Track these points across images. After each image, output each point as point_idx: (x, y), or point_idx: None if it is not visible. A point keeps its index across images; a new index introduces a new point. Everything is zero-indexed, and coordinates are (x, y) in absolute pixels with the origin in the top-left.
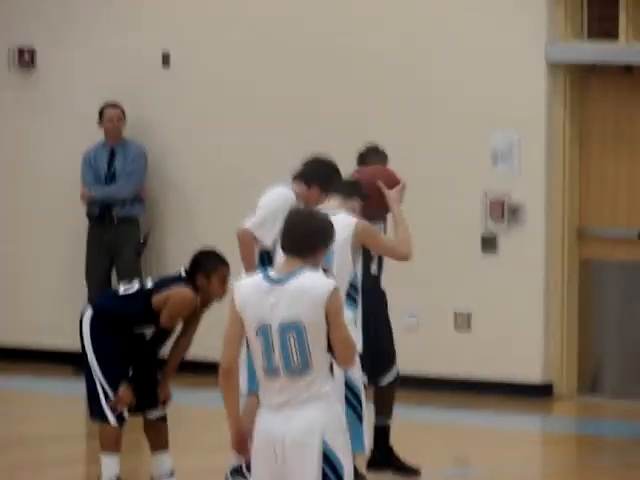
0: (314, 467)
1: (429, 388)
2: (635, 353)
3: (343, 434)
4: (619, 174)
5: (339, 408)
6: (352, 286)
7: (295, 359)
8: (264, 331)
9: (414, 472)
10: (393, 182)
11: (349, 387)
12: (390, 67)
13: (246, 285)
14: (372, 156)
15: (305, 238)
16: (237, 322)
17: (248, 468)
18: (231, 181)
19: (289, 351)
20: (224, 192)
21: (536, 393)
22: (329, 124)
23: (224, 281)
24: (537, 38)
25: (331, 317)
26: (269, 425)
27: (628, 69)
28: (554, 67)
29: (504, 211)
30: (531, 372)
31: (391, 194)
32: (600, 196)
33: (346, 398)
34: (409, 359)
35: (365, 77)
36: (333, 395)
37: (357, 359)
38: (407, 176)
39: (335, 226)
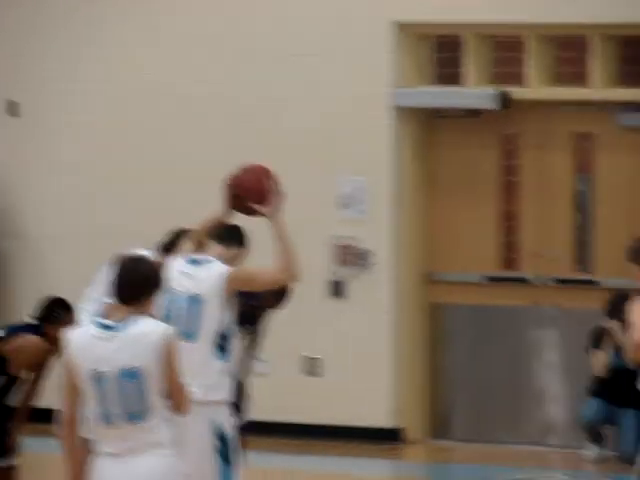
0: None
1: (279, 434)
2: (484, 396)
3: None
4: (466, 218)
5: (175, 457)
6: (223, 336)
7: (133, 406)
8: (99, 379)
9: None
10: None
11: (218, 435)
12: (235, 114)
13: (78, 333)
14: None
15: (133, 286)
16: (71, 371)
17: None
18: (86, 230)
19: (127, 398)
20: (78, 241)
21: (387, 438)
22: (183, 173)
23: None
24: (383, 83)
25: (166, 363)
26: (108, 474)
27: (474, 113)
28: (401, 112)
29: (352, 256)
30: (381, 417)
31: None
32: (448, 240)
33: (215, 446)
34: (259, 404)
35: (214, 124)
36: (172, 442)
37: (225, 408)
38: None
39: (208, 275)
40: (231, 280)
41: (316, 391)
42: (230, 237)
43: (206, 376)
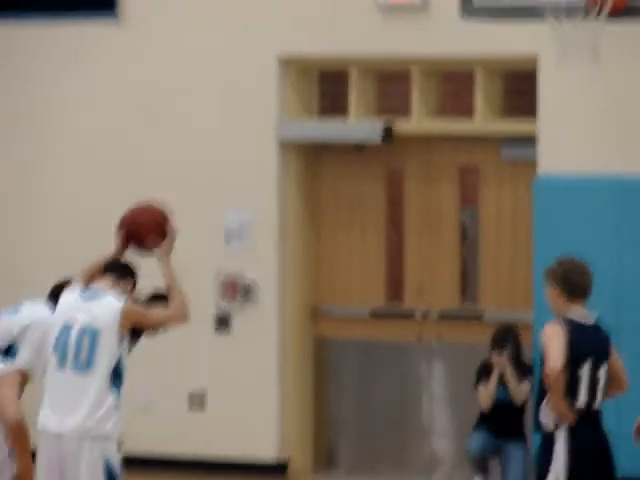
0: None
1: (163, 469)
2: (371, 430)
3: None
4: (352, 252)
5: None
6: (116, 370)
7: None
8: None
9: None
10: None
11: (110, 475)
12: (124, 145)
13: None
14: None
15: None
16: None
17: None
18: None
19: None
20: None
21: (272, 471)
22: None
23: None
24: (268, 117)
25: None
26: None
27: (359, 147)
28: (285, 146)
29: (237, 290)
30: (266, 450)
31: (160, 250)
32: (333, 274)
33: None
34: (142, 439)
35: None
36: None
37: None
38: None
39: (101, 309)
40: (127, 315)
41: (201, 426)
42: (124, 270)
43: (99, 409)
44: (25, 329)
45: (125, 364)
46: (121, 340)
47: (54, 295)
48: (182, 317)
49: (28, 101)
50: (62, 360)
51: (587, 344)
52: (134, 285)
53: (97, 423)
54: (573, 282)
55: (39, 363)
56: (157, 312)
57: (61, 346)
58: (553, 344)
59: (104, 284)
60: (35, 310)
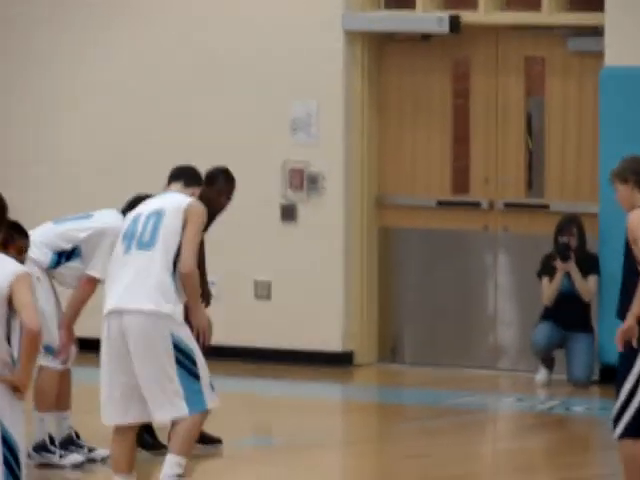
0: None
1: (229, 358)
2: (434, 321)
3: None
4: (417, 143)
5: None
6: (177, 255)
7: None
8: None
9: (215, 441)
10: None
11: (179, 349)
12: (185, 36)
13: None
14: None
15: None
16: None
17: (52, 442)
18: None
19: None
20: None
21: (336, 361)
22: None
23: (21, 252)
24: (334, 7)
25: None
26: None
27: (425, 37)
28: (351, 36)
29: (303, 180)
30: (331, 340)
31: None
32: (399, 165)
33: (178, 360)
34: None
35: (162, 44)
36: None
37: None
38: (205, 143)
39: (169, 199)
40: (187, 208)
41: (267, 315)
42: (190, 177)
43: (161, 288)
44: (95, 234)
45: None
46: (183, 228)
47: (130, 208)
48: (189, 266)
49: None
50: (128, 245)
51: None
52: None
53: (156, 300)
54: None
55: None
56: (195, 240)
57: (129, 235)
58: None
59: (174, 189)
60: (108, 217)
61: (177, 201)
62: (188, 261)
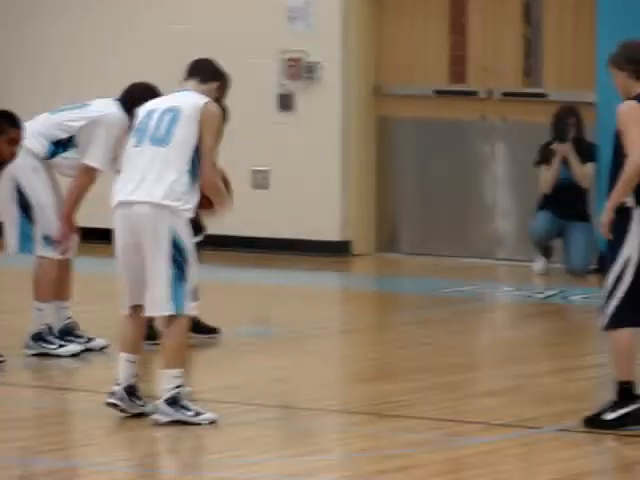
0: None
1: (227, 247)
2: (432, 210)
3: None
4: (415, 33)
5: None
6: (194, 154)
7: None
8: None
9: (213, 331)
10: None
11: (177, 248)
12: None
13: None
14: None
15: None
16: None
17: (50, 332)
18: None
19: None
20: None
21: (335, 250)
22: None
23: (12, 143)
24: None
25: None
26: None
27: None
28: None
29: (300, 69)
30: (329, 230)
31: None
32: (396, 54)
33: (173, 258)
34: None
35: None
36: None
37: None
38: (201, 34)
39: (186, 98)
40: (204, 111)
41: (265, 204)
42: (207, 72)
43: (169, 182)
44: (91, 124)
45: (201, 156)
46: (199, 127)
47: (127, 96)
48: (213, 183)
49: None
50: (141, 138)
51: None
52: (220, 88)
53: (165, 194)
54: (639, 60)
55: (108, 161)
56: (215, 146)
57: (141, 127)
58: (631, 129)
59: (190, 86)
60: (104, 106)
61: (194, 101)
62: (209, 172)
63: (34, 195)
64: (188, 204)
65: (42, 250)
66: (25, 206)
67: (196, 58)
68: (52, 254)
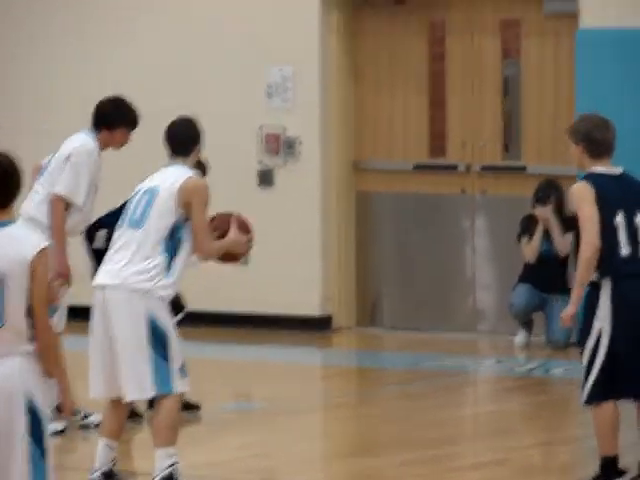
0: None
1: (208, 323)
2: (413, 284)
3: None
4: (394, 106)
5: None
6: (172, 235)
7: None
8: None
9: (194, 407)
10: (246, 229)
11: (153, 329)
12: (163, 3)
13: None
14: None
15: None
16: None
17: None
18: None
19: None
20: None
21: (315, 326)
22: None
23: None
24: None
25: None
26: None
27: (400, 1)
28: (327, 0)
29: (280, 145)
30: (310, 305)
31: (233, 234)
32: (375, 129)
33: (150, 340)
34: (190, 295)
35: (137, 15)
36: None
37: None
38: (180, 111)
39: (166, 176)
40: (187, 186)
41: (245, 280)
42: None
43: (142, 264)
44: (60, 158)
45: (186, 236)
46: (179, 206)
47: (95, 117)
48: (209, 250)
49: None
50: (122, 220)
51: (616, 193)
52: (199, 146)
53: (137, 277)
54: (595, 139)
55: (79, 189)
56: (206, 221)
57: (126, 210)
58: (583, 211)
59: (175, 162)
60: (72, 141)
61: (173, 179)
62: (204, 248)
63: None
64: (164, 284)
65: None
66: None
67: (169, 127)
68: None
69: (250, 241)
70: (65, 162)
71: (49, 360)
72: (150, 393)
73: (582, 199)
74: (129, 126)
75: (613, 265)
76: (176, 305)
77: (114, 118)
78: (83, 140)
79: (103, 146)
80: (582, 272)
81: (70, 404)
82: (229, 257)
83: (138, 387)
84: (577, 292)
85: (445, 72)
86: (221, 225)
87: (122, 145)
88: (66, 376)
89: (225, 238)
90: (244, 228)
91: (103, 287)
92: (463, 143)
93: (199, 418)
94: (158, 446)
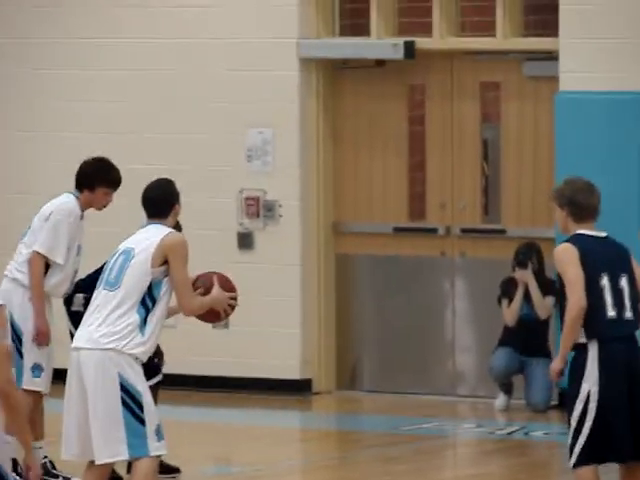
0: None
1: (186, 386)
2: (393, 347)
3: None
4: (373, 169)
5: None
6: (148, 295)
7: None
8: None
9: (174, 471)
10: (229, 287)
11: (127, 391)
12: (140, 63)
13: None
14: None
15: None
16: None
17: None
18: None
19: None
20: None
21: (295, 389)
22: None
23: None
24: (288, 34)
25: None
26: None
27: (379, 63)
28: (306, 63)
29: (259, 208)
30: (289, 368)
31: (216, 291)
32: (355, 192)
33: (124, 402)
34: (168, 357)
35: (118, 74)
36: None
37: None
38: (159, 173)
39: (144, 235)
40: (167, 243)
41: (224, 343)
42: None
43: (116, 325)
44: (40, 218)
45: (162, 294)
46: (155, 266)
47: (79, 176)
48: (192, 309)
49: None
50: (100, 282)
51: (601, 255)
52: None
53: (109, 337)
54: (580, 203)
55: (58, 247)
56: (188, 279)
57: (105, 271)
58: (568, 272)
59: (153, 221)
60: (56, 201)
61: (150, 239)
62: (186, 304)
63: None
64: (136, 342)
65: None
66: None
67: (145, 190)
68: (39, 387)
69: (234, 299)
70: (45, 221)
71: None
72: (124, 455)
73: (567, 260)
74: (110, 187)
75: (599, 327)
76: (153, 368)
77: (94, 179)
78: (64, 199)
79: (85, 206)
80: (568, 332)
81: (36, 467)
82: (212, 315)
83: (110, 449)
84: (562, 352)
85: (425, 135)
86: (204, 284)
87: (104, 206)
88: (30, 437)
89: (208, 295)
90: (227, 286)
91: (78, 349)
92: (442, 205)
93: None
94: None
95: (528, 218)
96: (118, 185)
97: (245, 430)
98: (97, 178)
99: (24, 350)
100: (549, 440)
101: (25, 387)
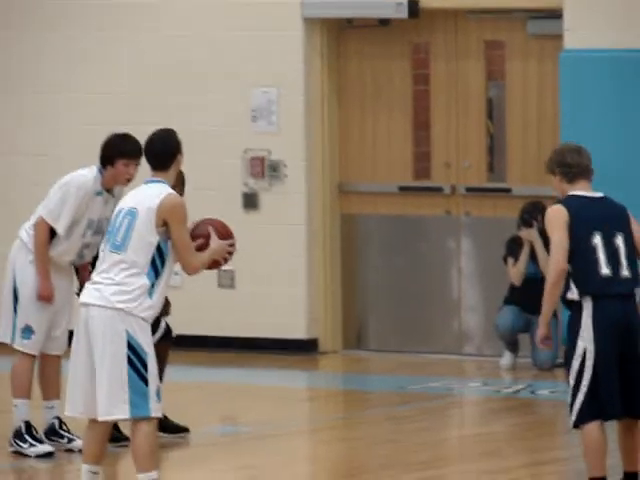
0: None
1: (193, 347)
2: (399, 307)
3: None
4: (378, 129)
5: None
6: (154, 256)
7: None
8: None
9: (183, 430)
10: (226, 233)
11: (133, 349)
12: (142, 25)
13: None
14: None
15: None
16: None
17: (28, 429)
18: None
19: None
20: None
21: (301, 349)
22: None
23: None
24: None
25: None
26: None
27: (384, 23)
28: (310, 22)
29: (264, 168)
30: (296, 328)
31: (214, 243)
32: (360, 151)
33: (129, 360)
34: (174, 318)
35: (122, 36)
36: None
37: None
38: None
39: (146, 195)
40: (165, 204)
41: (231, 304)
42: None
43: (124, 285)
44: (55, 188)
45: (168, 254)
46: (158, 225)
47: (105, 153)
48: (195, 266)
49: None
50: (106, 242)
51: (594, 214)
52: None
53: (120, 297)
54: (568, 163)
55: (60, 217)
56: (189, 237)
57: (109, 231)
58: (554, 234)
59: (155, 177)
60: (77, 172)
61: (150, 199)
62: (188, 264)
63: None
64: (146, 305)
65: (17, 344)
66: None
67: (147, 142)
68: (27, 349)
69: (232, 245)
70: (59, 188)
71: None
72: (125, 414)
73: (554, 223)
74: (126, 157)
75: (593, 284)
76: (156, 325)
77: (112, 151)
78: (84, 172)
79: (110, 182)
80: (547, 295)
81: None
82: (213, 264)
83: (113, 407)
84: (544, 317)
85: (429, 94)
86: (201, 234)
87: (127, 180)
88: None
89: (207, 249)
90: (224, 232)
91: (86, 305)
92: (447, 164)
93: (187, 441)
94: (138, 472)
95: (533, 177)
96: (135, 155)
97: (252, 390)
98: (114, 150)
99: (18, 309)
100: (555, 398)
101: (15, 346)
